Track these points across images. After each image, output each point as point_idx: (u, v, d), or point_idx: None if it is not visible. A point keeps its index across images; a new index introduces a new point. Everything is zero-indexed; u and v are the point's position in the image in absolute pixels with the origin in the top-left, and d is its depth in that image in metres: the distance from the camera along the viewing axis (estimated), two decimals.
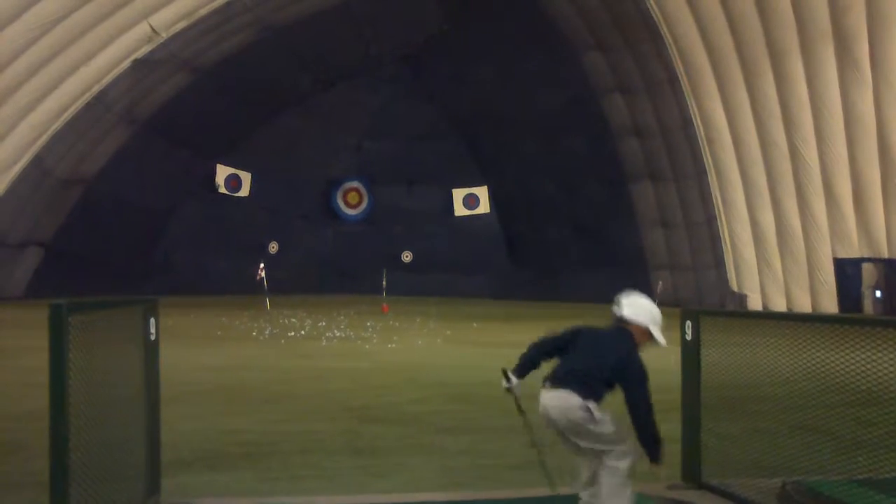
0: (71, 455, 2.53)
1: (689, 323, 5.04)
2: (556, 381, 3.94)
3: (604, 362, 3.91)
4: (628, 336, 4.06)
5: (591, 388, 3.87)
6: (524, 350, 4.21)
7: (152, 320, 4.32)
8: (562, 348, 4.10)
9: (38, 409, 6.20)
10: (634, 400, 3.87)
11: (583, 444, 3.90)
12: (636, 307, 4.14)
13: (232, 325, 17.62)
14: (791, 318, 5.21)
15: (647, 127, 29.49)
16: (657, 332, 4.12)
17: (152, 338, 4.32)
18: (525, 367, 4.12)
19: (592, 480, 4.03)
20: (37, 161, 22.77)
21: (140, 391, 4.19)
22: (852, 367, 4.23)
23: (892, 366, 4.01)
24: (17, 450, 5.89)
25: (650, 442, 3.92)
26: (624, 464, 3.87)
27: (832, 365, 4.37)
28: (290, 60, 28.39)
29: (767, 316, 8.33)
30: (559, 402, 3.87)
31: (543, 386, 3.99)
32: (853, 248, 26.40)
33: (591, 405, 3.84)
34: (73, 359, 2.58)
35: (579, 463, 4.12)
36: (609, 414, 3.93)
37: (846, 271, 26.51)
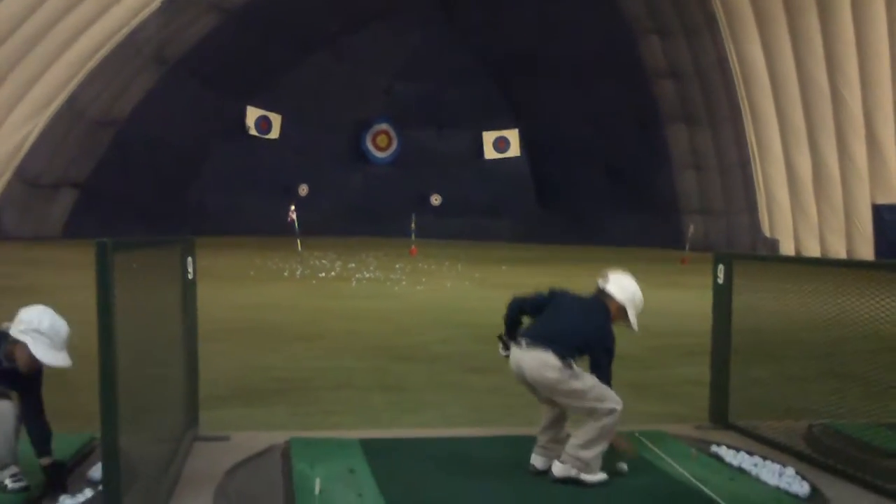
0: (118, 388, 2.64)
1: (721, 267, 5.02)
2: (533, 339, 3.94)
3: (581, 329, 3.95)
4: (605, 309, 4.08)
5: (566, 349, 3.89)
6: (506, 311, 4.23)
7: (189, 259, 4.42)
8: (540, 308, 4.15)
9: (78, 344, 6.44)
10: (599, 368, 3.94)
11: (566, 401, 3.90)
12: (621, 285, 4.14)
13: (264, 266, 17.87)
14: (824, 264, 5.17)
15: (682, 68, 28.80)
16: (633, 315, 4.12)
17: (190, 276, 4.43)
18: (513, 330, 4.19)
19: (553, 424, 4.07)
20: (71, 101, 22.95)
21: (179, 328, 4.32)
22: (886, 313, 4.21)
23: None
24: (62, 382, 6.09)
25: None
26: (610, 420, 3.85)
27: (865, 311, 4.35)
28: (321, 0, 28.00)
29: (799, 261, 8.25)
30: (535, 362, 3.88)
31: (518, 344, 4.00)
32: (893, 194, 25.84)
33: (571, 362, 3.88)
34: (116, 296, 2.66)
35: (543, 408, 4.13)
36: (584, 370, 3.96)
37: (884, 217, 26.01)
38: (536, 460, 4.05)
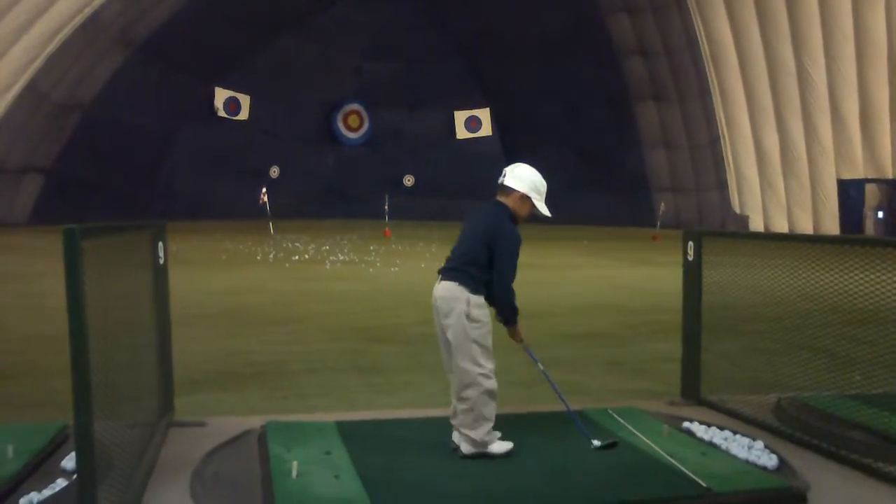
0: (91, 375, 2.61)
1: (691, 244, 5.08)
2: (445, 272, 3.92)
3: (476, 238, 3.88)
4: (502, 207, 3.97)
5: (473, 279, 3.83)
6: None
7: (160, 244, 4.37)
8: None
9: (50, 332, 6.34)
10: (499, 265, 3.84)
11: (457, 343, 3.82)
12: (518, 175, 3.99)
13: (236, 250, 17.74)
14: (791, 239, 5.26)
15: (652, 47, 28.94)
16: (538, 201, 3.98)
17: (161, 261, 4.39)
18: None
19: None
20: (32, 85, 22.48)
21: (151, 314, 4.28)
22: (851, 287, 4.30)
23: (889, 285, 4.07)
24: (33, 371, 6.04)
25: (506, 308, 3.95)
26: (472, 392, 3.79)
27: (831, 285, 4.43)
28: None
29: (768, 237, 8.39)
30: (445, 292, 3.86)
31: (438, 279, 3.97)
32: (857, 170, 26.30)
33: (474, 300, 3.81)
34: (86, 282, 2.63)
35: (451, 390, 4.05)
36: (490, 325, 3.88)
37: (849, 192, 26.51)
38: (457, 437, 4.05)
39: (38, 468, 3.63)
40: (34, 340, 7.15)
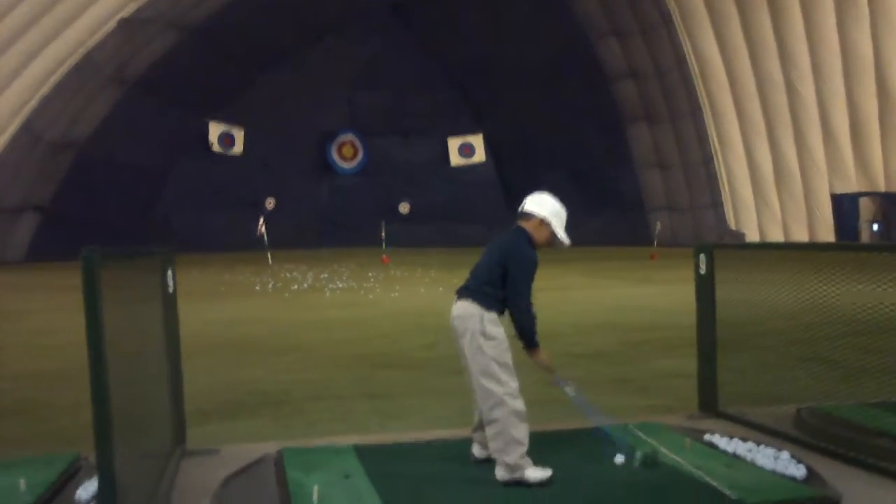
0: (111, 404, 2.56)
1: (703, 256, 5.05)
2: (461, 291, 3.93)
3: (493, 259, 3.88)
4: (521, 232, 3.96)
5: (488, 297, 3.81)
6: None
7: (170, 272, 4.33)
8: None
9: (48, 369, 6.24)
10: (513, 286, 3.82)
11: (472, 366, 3.79)
12: (539, 201, 4.01)
13: (235, 281, 17.67)
14: (802, 248, 5.25)
15: (641, 68, 29.22)
16: (559, 228, 3.97)
17: (170, 290, 4.34)
18: None
19: (481, 425, 3.91)
20: (27, 125, 22.56)
21: (162, 343, 4.22)
22: (856, 297, 4.29)
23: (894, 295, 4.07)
24: (30, 408, 5.93)
25: (526, 332, 3.91)
26: (499, 412, 3.71)
27: (836, 297, 4.42)
28: (278, 13, 27.90)
29: (779, 247, 8.34)
30: (461, 311, 3.85)
31: (454, 300, 3.97)
32: (850, 183, 26.44)
33: (487, 317, 3.78)
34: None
35: (474, 407, 4.00)
36: (506, 343, 3.83)
37: (843, 206, 26.62)
38: (476, 450, 4.05)
39: (51, 501, 3.56)
40: (29, 378, 7.04)
